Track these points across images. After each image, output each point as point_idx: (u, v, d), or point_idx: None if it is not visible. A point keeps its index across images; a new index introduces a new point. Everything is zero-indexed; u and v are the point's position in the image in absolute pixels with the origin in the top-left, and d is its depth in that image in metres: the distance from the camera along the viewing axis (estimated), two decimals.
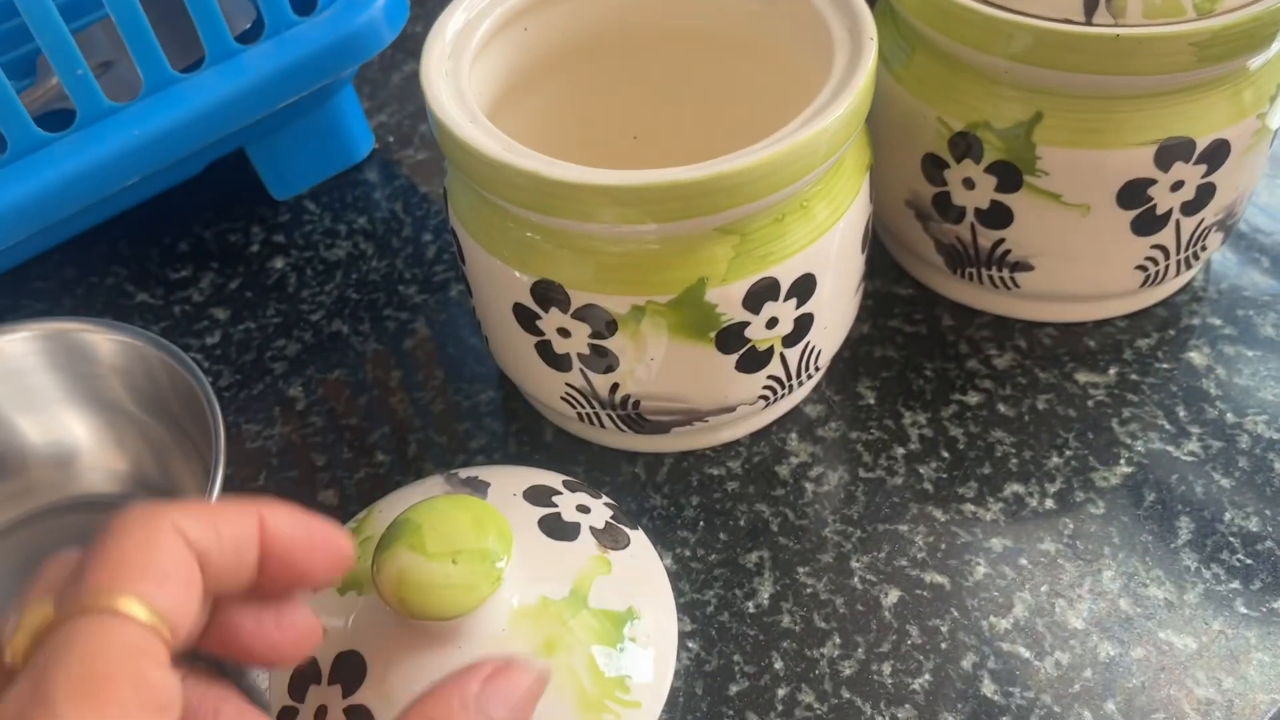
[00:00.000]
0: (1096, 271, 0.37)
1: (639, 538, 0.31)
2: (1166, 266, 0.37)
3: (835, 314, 0.35)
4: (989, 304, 0.40)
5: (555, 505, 0.30)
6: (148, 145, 0.40)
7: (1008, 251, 0.37)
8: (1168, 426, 0.37)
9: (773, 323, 0.33)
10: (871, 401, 0.38)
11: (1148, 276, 0.37)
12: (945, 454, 0.37)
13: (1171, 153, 0.34)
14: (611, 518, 0.31)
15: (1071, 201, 0.35)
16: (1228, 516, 0.34)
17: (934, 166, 0.36)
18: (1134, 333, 0.39)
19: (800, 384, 0.36)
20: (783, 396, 0.36)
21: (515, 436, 0.39)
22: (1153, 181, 0.34)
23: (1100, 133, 0.33)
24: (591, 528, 0.30)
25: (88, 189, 0.39)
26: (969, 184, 0.36)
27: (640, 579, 0.30)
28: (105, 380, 0.36)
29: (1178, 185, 0.34)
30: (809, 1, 0.34)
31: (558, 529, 0.29)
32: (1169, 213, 0.35)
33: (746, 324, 0.32)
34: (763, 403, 0.36)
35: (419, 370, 0.41)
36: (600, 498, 0.32)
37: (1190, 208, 0.35)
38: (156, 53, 0.39)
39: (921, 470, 0.36)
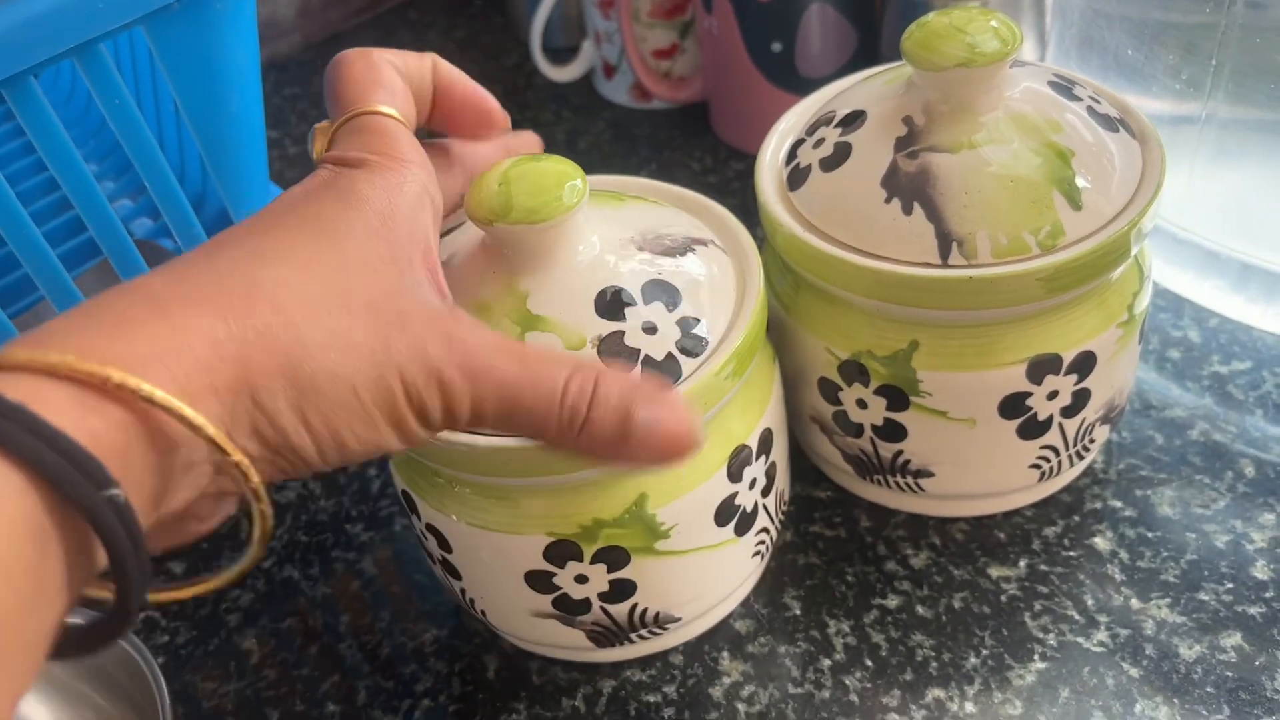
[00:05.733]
0: (993, 474, 0.39)
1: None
2: (1059, 462, 0.39)
3: None
4: (901, 503, 0.42)
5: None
6: None
7: (908, 461, 0.39)
8: (1077, 617, 0.38)
9: None
10: (798, 612, 0.40)
11: (1042, 473, 0.40)
12: (869, 662, 0.38)
13: (1041, 368, 0.36)
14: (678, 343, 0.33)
15: (957, 417, 0.37)
16: (1138, 709, 0.35)
17: (829, 388, 0.39)
18: (1040, 521, 0.41)
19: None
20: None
21: (459, 676, 0.40)
22: (1029, 394, 0.37)
23: (972, 356, 0.36)
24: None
25: None
26: (862, 404, 0.38)
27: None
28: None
29: (1053, 395, 0.37)
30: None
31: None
32: (1050, 418, 0.38)
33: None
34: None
35: (366, 613, 0.43)
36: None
37: (1069, 411, 0.38)
38: None
39: (847, 681, 0.38)
